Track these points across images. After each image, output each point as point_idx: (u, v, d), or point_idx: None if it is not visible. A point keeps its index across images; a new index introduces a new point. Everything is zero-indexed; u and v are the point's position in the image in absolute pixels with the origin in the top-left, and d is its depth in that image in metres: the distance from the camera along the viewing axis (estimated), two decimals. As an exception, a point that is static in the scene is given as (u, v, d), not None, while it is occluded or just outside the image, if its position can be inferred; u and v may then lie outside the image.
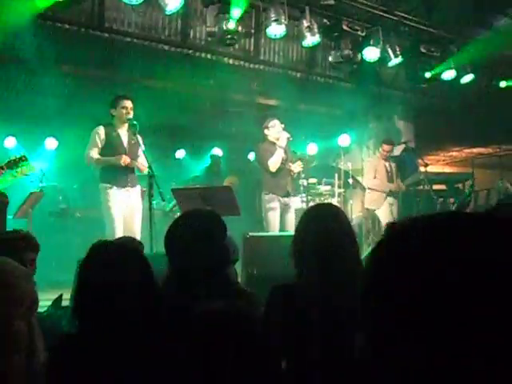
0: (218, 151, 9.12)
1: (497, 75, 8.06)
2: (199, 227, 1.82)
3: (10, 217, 5.10)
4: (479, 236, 0.55)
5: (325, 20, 6.45)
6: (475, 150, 11.39)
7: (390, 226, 0.62)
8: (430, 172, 7.42)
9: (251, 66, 6.76)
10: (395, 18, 6.67)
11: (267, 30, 5.89)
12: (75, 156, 5.17)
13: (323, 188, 7.17)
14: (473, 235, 0.55)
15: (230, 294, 1.73)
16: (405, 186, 7.21)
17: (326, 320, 1.62)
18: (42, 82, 5.71)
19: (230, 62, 6.61)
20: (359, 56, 6.67)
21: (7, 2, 4.84)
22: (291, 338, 1.64)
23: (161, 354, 1.43)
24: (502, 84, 8.19)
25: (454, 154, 11.83)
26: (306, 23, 6.01)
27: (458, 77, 7.39)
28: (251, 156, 9.21)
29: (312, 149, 8.36)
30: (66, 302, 2.93)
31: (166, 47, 6.15)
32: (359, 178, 7.54)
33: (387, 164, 6.92)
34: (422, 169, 7.23)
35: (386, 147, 6.86)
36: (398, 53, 6.71)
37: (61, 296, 2.90)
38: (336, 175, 6.92)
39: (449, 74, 7.31)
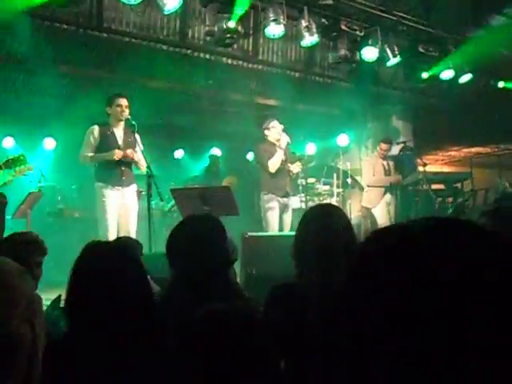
0: (216, 151, 9.12)
1: (495, 75, 8.07)
2: (200, 232, 1.84)
3: (8, 217, 5.09)
4: (471, 236, 0.55)
5: (323, 20, 6.45)
6: (474, 150, 11.40)
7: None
8: (429, 171, 7.44)
9: (250, 65, 6.76)
10: (393, 18, 6.67)
11: (266, 30, 5.89)
12: (73, 156, 5.16)
13: (322, 188, 7.18)
14: (461, 235, 0.55)
15: (230, 295, 1.73)
16: (404, 183, 7.22)
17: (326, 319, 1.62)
18: (40, 83, 5.71)
19: (229, 61, 6.60)
20: (358, 56, 6.68)
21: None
22: (291, 338, 1.64)
23: (157, 354, 1.43)
24: (500, 84, 8.21)
25: (453, 153, 11.84)
26: (304, 23, 6.01)
27: (457, 76, 7.40)
28: (250, 156, 9.21)
29: (311, 148, 8.37)
30: (63, 303, 2.92)
31: (165, 47, 6.14)
32: (358, 178, 7.55)
33: (385, 162, 6.94)
34: (420, 168, 7.24)
35: (384, 146, 6.87)
36: (397, 52, 6.71)
37: (59, 297, 2.89)
38: (335, 175, 6.94)
39: (447, 74, 7.32)
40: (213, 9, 5.69)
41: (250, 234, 4.48)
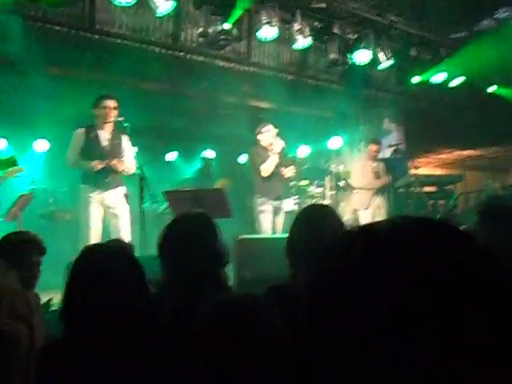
0: (209, 153, 9.11)
1: (486, 79, 8.14)
2: (191, 230, 1.82)
3: (-1, 219, 5.06)
4: (461, 238, 0.55)
5: (316, 23, 6.47)
6: (465, 153, 11.47)
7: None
8: (421, 174, 7.47)
9: (243, 68, 6.76)
10: (386, 22, 6.71)
11: (259, 33, 5.90)
12: (65, 158, 5.13)
13: (315, 190, 7.18)
14: (450, 237, 0.55)
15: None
16: (396, 185, 7.22)
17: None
18: (31, 84, 5.67)
19: (222, 64, 6.60)
20: (350, 59, 6.71)
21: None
22: (285, 339, 1.64)
23: (152, 356, 1.42)
24: (491, 89, 8.29)
25: (445, 156, 11.90)
26: (297, 26, 6.03)
27: (448, 80, 7.46)
28: (243, 158, 9.21)
29: (303, 151, 8.38)
30: (55, 306, 2.90)
31: (157, 49, 6.13)
32: (350, 181, 7.56)
33: (374, 164, 6.87)
34: (412, 171, 7.27)
35: (374, 147, 6.83)
36: (389, 56, 6.75)
37: (50, 299, 2.88)
38: (327, 177, 6.95)
39: (438, 77, 7.37)
40: (206, 11, 5.69)
41: (242, 236, 4.48)
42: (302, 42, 6.12)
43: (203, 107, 7.46)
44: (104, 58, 5.92)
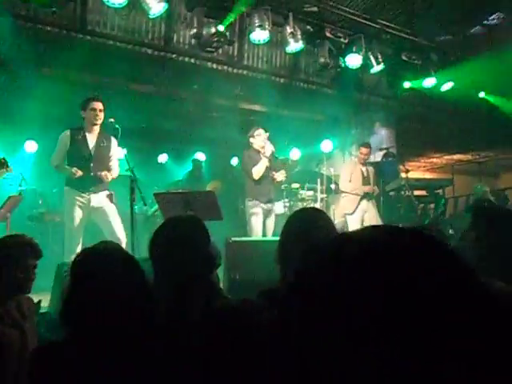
0: (200, 156, 9.10)
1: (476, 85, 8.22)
2: (182, 233, 1.82)
3: (-13, 221, 5.01)
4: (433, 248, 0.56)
5: (308, 27, 6.50)
6: (455, 157, 11.57)
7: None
8: (411, 178, 7.51)
9: (235, 71, 6.77)
10: (377, 26, 6.76)
11: (251, 36, 5.91)
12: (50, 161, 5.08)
13: (306, 193, 7.21)
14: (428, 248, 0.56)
15: (213, 298, 1.72)
16: (387, 189, 7.22)
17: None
18: (22, 85, 5.64)
19: (214, 66, 6.61)
20: (342, 63, 6.74)
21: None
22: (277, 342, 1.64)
23: (150, 357, 1.41)
24: (481, 95, 8.38)
25: (435, 160, 12.00)
26: (289, 29, 6.05)
27: (439, 84, 7.52)
28: (234, 161, 9.22)
29: (295, 154, 8.41)
30: (44, 309, 2.88)
31: (149, 51, 6.12)
32: (338, 184, 7.57)
33: (364, 168, 6.78)
34: (403, 175, 7.30)
35: (364, 150, 6.73)
36: (380, 60, 6.80)
37: (39, 302, 2.85)
38: (318, 180, 6.97)
39: (429, 82, 7.44)
40: (199, 12, 5.70)
41: (233, 239, 4.48)
42: (294, 45, 6.14)
43: (195, 109, 7.46)
44: (95, 59, 5.89)
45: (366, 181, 6.72)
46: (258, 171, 5.58)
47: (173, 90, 6.92)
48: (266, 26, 5.74)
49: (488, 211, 2.21)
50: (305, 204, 7.04)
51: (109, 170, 4.80)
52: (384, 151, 7.88)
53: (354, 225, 6.48)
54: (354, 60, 6.66)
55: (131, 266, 1.59)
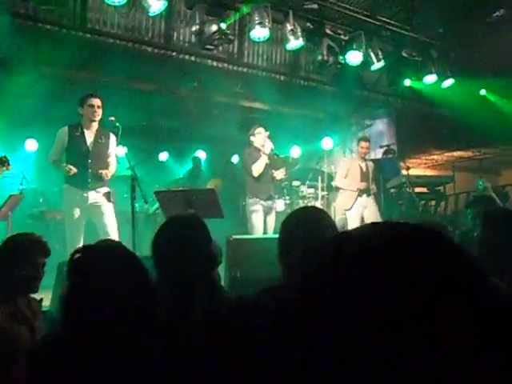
0: (200, 154, 9.11)
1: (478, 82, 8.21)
2: (184, 232, 1.83)
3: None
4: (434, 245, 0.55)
5: (308, 24, 6.49)
6: (456, 154, 11.55)
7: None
8: (412, 175, 7.50)
9: (235, 68, 6.76)
10: (377, 23, 6.74)
11: (251, 33, 5.90)
12: (48, 157, 5.08)
13: (307, 191, 7.21)
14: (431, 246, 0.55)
15: (215, 296, 1.73)
16: (387, 187, 7.20)
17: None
18: (22, 83, 5.63)
19: (214, 64, 6.60)
20: (342, 60, 6.72)
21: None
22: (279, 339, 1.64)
23: (151, 357, 1.41)
24: (482, 92, 8.37)
25: (436, 157, 11.98)
26: (289, 27, 6.04)
27: (440, 81, 7.50)
28: (235, 159, 9.22)
29: (295, 151, 8.42)
30: (45, 308, 2.88)
31: (150, 49, 6.12)
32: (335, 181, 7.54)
33: (363, 164, 6.60)
34: (403, 172, 7.29)
35: (364, 144, 6.57)
36: (381, 57, 6.78)
37: (41, 300, 2.86)
38: (319, 178, 6.96)
39: (430, 79, 7.42)
40: (200, 9, 5.68)
41: (234, 236, 4.48)
42: (295, 42, 6.13)
43: (195, 107, 7.45)
44: (96, 57, 5.90)
45: (364, 177, 6.56)
46: (257, 168, 5.62)
47: (173, 88, 6.92)
48: (266, 24, 5.73)
49: (494, 212, 2.20)
50: (306, 201, 7.04)
51: (107, 166, 4.80)
52: (385, 148, 7.87)
53: (353, 221, 6.43)
54: (354, 57, 6.65)
55: (132, 263, 1.59)
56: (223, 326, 1.15)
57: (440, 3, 6.51)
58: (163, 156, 9.14)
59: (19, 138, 7.27)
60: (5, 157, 4.50)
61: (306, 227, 1.84)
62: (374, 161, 7.14)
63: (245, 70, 6.85)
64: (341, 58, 6.72)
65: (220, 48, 6.20)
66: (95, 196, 4.72)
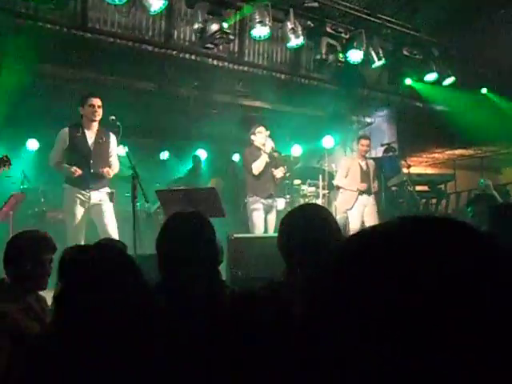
0: (200, 152, 9.10)
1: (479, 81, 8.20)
2: (187, 230, 1.82)
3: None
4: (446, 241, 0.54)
5: (309, 22, 6.48)
6: (457, 152, 11.54)
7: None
8: (413, 173, 7.50)
9: (235, 67, 6.76)
10: (378, 21, 6.73)
11: (252, 32, 5.90)
12: (48, 159, 5.08)
13: (308, 189, 7.20)
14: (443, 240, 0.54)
15: (217, 294, 1.73)
16: (388, 185, 7.18)
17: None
18: (23, 83, 5.63)
19: (214, 63, 6.60)
20: (343, 58, 6.71)
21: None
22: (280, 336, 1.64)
23: (151, 356, 1.41)
24: (483, 91, 8.36)
25: (437, 155, 11.97)
26: (290, 25, 6.03)
27: (440, 79, 7.49)
28: (236, 157, 9.21)
29: (296, 150, 8.41)
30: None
31: (150, 48, 6.12)
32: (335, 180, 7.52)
33: (364, 163, 6.54)
34: (404, 170, 7.28)
35: (365, 141, 6.50)
36: (381, 55, 6.77)
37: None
38: (320, 176, 6.95)
39: (430, 77, 7.41)
40: (201, 8, 5.67)
41: (235, 235, 4.48)
42: (295, 41, 6.12)
43: (196, 106, 7.44)
44: (96, 56, 5.90)
45: (365, 176, 6.51)
46: (257, 167, 5.63)
47: (174, 87, 6.91)
48: (267, 22, 5.72)
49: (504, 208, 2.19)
50: (307, 200, 7.04)
51: (109, 166, 4.80)
52: (385, 147, 7.86)
53: (354, 220, 6.43)
54: (355, 55, 6.64)
55: (124, 264, 1.58)
56: (225, 323, 1.15)
57: (441, 2, 6.49)
58: (164, 155, 9.14)
59: (20, 137, 7.27)
60: (6, 156, 4.51)
61: (309, 224, 1.84)
62: (374, 159, 7.12)
63: (245, 68, 6.84)
64: (341, 56, 6.71)
65: (220, 47, 6.19)
66: (96, 196, 4.72)
